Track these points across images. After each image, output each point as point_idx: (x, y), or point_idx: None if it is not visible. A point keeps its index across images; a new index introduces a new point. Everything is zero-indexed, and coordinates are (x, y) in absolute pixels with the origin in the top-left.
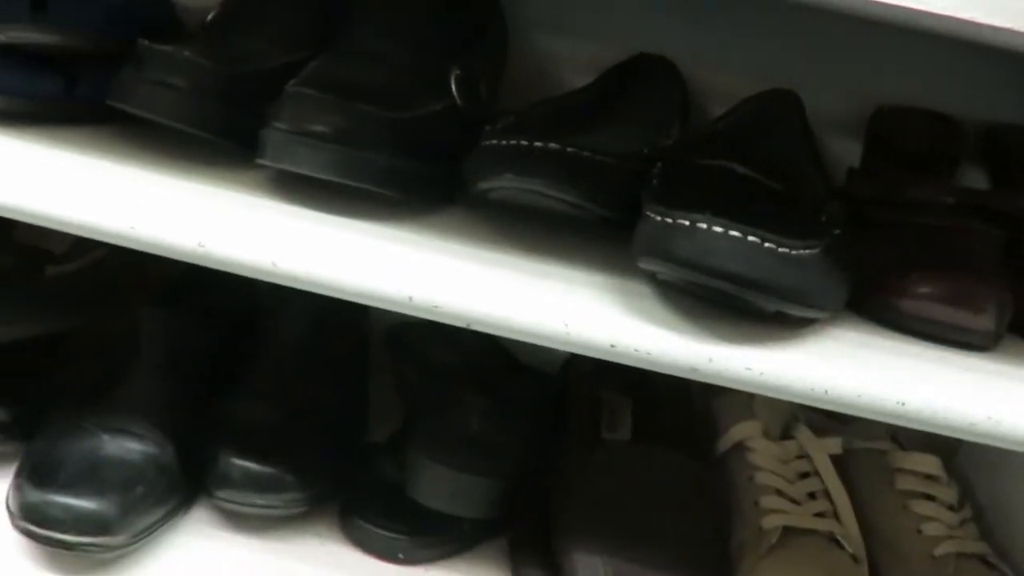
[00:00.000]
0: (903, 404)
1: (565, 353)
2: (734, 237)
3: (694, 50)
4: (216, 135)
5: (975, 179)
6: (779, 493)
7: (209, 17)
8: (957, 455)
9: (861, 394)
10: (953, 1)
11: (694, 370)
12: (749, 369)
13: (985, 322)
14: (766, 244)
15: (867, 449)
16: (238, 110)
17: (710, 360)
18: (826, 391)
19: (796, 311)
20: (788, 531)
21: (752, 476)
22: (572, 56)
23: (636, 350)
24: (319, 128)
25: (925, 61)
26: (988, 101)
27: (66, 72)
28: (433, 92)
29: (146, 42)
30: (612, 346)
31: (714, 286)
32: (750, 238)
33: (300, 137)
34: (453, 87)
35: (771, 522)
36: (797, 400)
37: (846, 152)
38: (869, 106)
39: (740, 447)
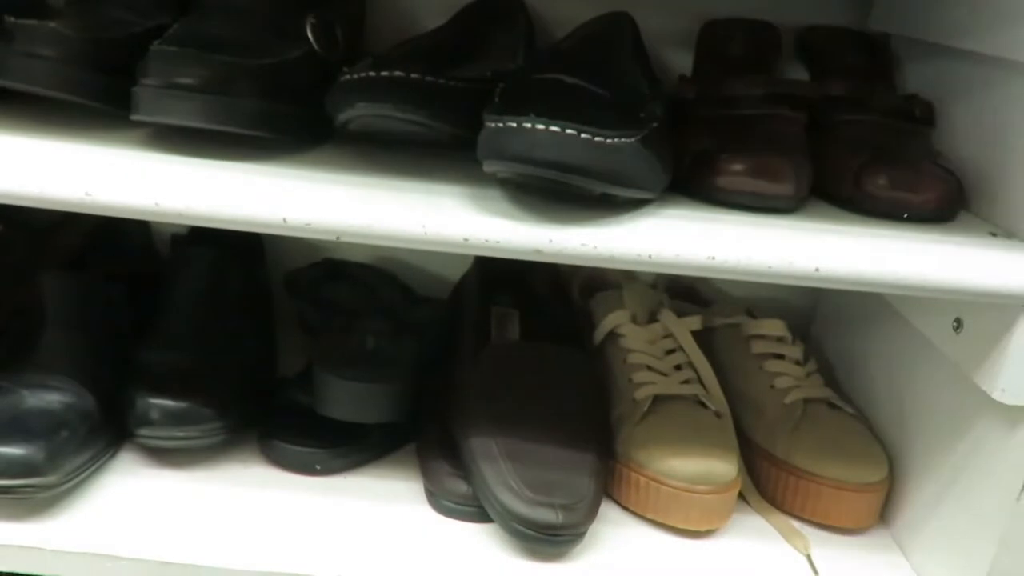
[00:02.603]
0: (713, 258)
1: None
2: (554, 131)
3: None
4: (90, 99)
5: (800, 75)
6: (649, 368)
7: None
8: (812, 324)
9: (679, 254)
10: None
11: (538, 251)
12: (584, 245)
13: (786, 188)
14: (582, 135)
15: (725, 324)
16: (108, 75)
17: (550, 241)
18: (649, 256)
19: (619, 192)
20: (658, 399)
21: (625, 358)
22: (431, 1)
23: (486, 240)
24: (185, 80)
25: None
26: (805, 9)
27: None
28: (291, 40)
29: (12, 18)
30: (465, 240)
31: (543, 175)
32: (568, 131)
33: (168, 90)
34: (309, 34)
35: (643, 393)
36: (626, 267)
37: (683, 64)
38: (700, 21)
39: (613, 335)
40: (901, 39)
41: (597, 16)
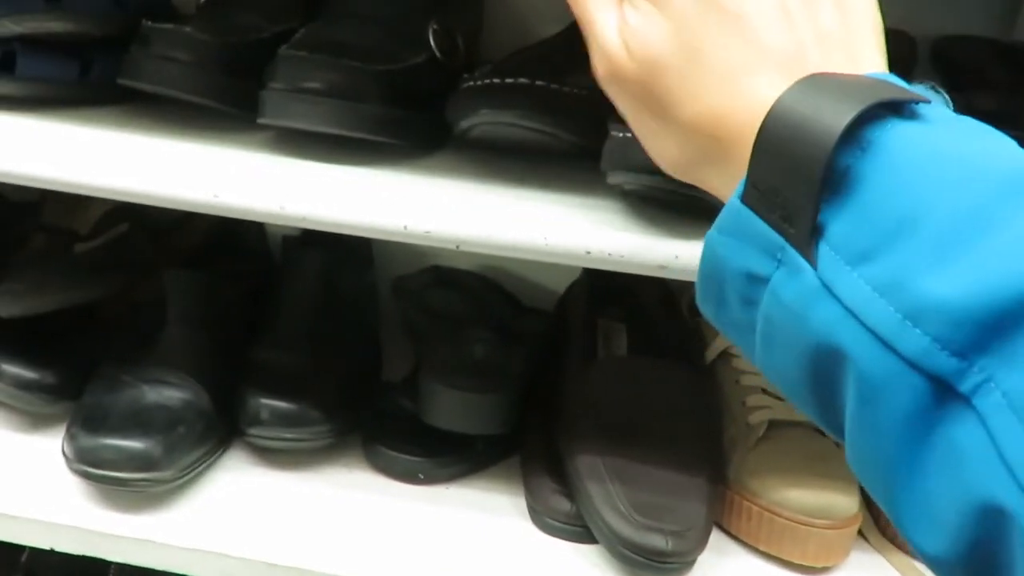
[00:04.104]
0: None
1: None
2: None
3: None
4: (219, 102)
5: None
6: (764, 391)
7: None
8: None
9: None
10: None
11: (662, 267)
12: None
13: None
14: None
15: None
16: (237, 78)
17: (676, 257)
18: None
19: None
20: (774, 424)
21: (738, 379)
22: (545, 8)
23: (609, 254)
24: (312, 85)
25: None
26: (943, 17)
27: (79, 56)
28: (414, 46)
29: (150, 23)
30: (587, 252)
31: (670, 187)
32: None
33: (295, 94)
34: (431, 40)
35: (758, 417)
36: None
37: None
38: None
39: (726, 355)
40: None
41: None
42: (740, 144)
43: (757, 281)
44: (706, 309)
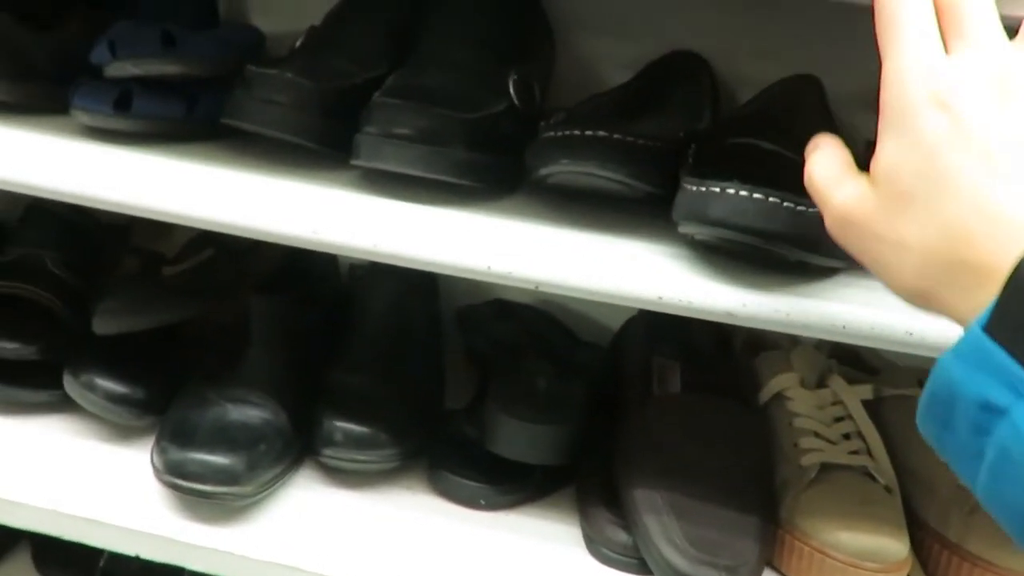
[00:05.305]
0: (911, 334)
1: (616, 328)
2: (757, 199)
3: (724, 43)
4: (316, 143)
5: None
6: (816, 435)
7: (298, 43)
8: None
9: (873, 326)
10: None
11: (730, 314)
12: (777, 311)
13: None
14: (785, 204)
15: (897, 395)
16: (332, 120)
17: (744, 305)
18: (844, 327)
19: (814, 260)
20: (825, 467)
21: (791, 421)
22: (613, 55)
23: (679, 300)
24: (403, 130)
25: None
26: None
27: (187, 95)
28: (495, 95)
29: (254, 67)
30: (660, 298)
31: (742, 240)
32: (771, 199)
33: (388, 139)
34: (511, 90)
35: (810, 460)
36: (819, 335)
37: (868, 128)
38: None
39: (780, 397)
40: None
41: (784, 78)
42: (986, 270)
43: (993, 411)
44: (927, 429)
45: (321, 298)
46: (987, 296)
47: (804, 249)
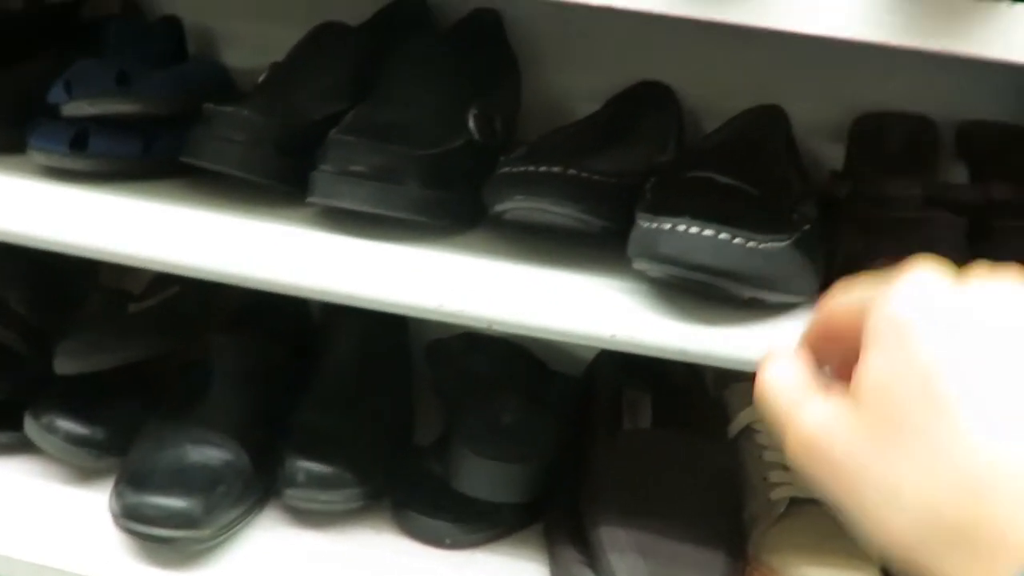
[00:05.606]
0: None
1: (590, 358)
2: (708, 235)
3: (691, 74)
4: (273, 180)
5: (958, 174)
6: (785, 468)
7: (260, 79)
8: None
9: None
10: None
11: (683, 352)
12: (731, 348)
13: None
14: (735, 240)
15: None
16: (290, 157)
17: (698, 343)
18: None
19: (768, 296)
20: (795, 502)
21: (760, 455)
22: (583, 87)
23: (632, 338)
24: (358, 168)
25: (903, 69)
26: (967, 101)
27: (144, 134)
28: (454, 130)
29: (212, 105)
30: (612, 336)
31: (694, 278)
32: (721, 235)
33: (343, 176)
34: (471, 124)
35: (779, 494)
36: None
37: (833, 157)
38: (852, 114)
39: (749, 430)
40: None
41: (748, 109)
42: (1000, 537)
43: None
44: None
45: (289, 333)
46: (998, 571)
47: (757, 286)
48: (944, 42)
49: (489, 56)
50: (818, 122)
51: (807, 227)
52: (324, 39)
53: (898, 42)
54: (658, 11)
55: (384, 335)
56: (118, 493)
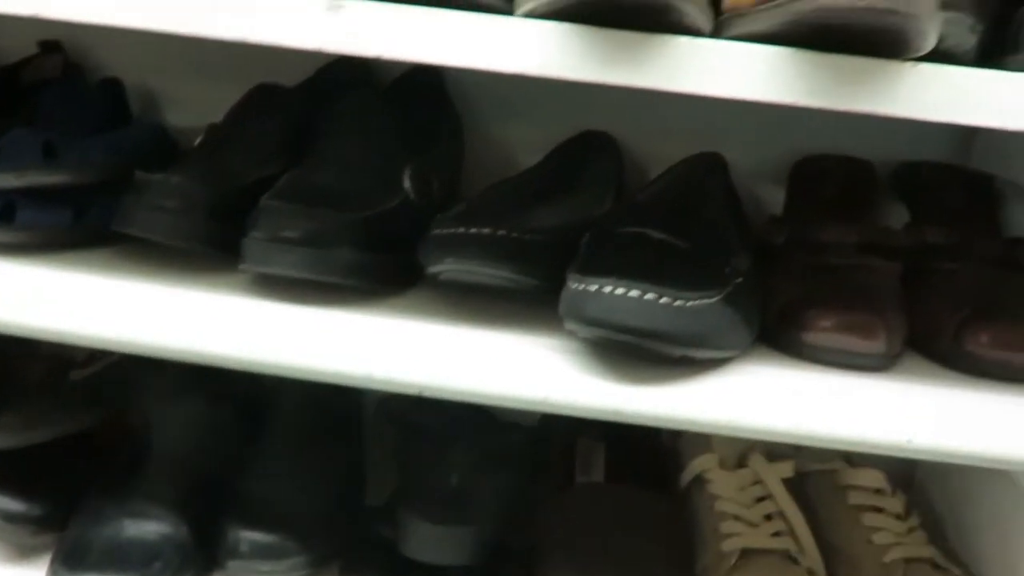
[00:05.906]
0: (798, 427)
1: None
2: (632, 297)
3: (634, 123)
4: (205, 247)
5: (898, 213)
6: (736, 518)
7: (197, 141)
8: (917, 470)
9: (759, 422)
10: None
11: (618, 413)
12: (665, 408)
13: (877, 346)
14: (662, 300)
15: (820, 470)
16: (223, 223)
17: (632, 403)
18: (729, 422)
19: (698, 354)
20: (747, 552)
21: (712, 505)
22: (527, 139)
23: (565, 400)
24: (289, 234)
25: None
26: (903, 144)
27: (74, 203)
28: (389, 190)
29: (141, 173)
30: (545, 399)
31: (622, 340)
32: (647, 296)
33: (274, 243)
34: (407, 184)
35: (730, 545)
36: (707, 431)
37: (775, 200)
38: (794, 157)
39: (700, 479)
40: (1007, 178)
41: (687, 158)
42: None
43: None
44: None
45: (237, 395)
46: None
47: (686, 344)
48: (849, 102)
49: (429, 112)
50: (760, 166)
51: (739, 280)
52: (259, 101)
53: (805, 103)
54: (570, 77)
55: (335, 394)
56: (52, 572)
